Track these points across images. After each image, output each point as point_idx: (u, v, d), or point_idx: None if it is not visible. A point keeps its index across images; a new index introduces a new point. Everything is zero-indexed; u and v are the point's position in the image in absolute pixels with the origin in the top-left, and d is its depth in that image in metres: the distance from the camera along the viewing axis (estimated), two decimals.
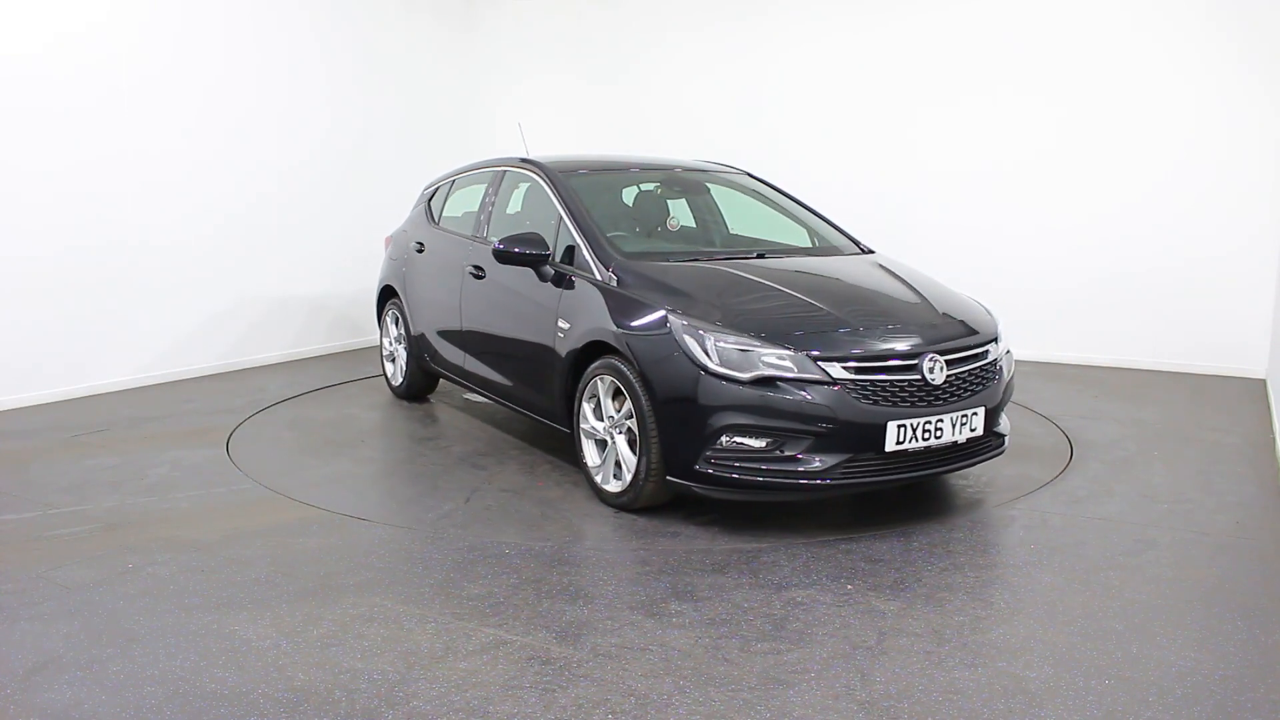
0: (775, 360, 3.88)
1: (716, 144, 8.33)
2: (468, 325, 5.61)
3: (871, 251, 5.22)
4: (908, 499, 4.53)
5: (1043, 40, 7.60)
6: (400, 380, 6.59)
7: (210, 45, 7.20)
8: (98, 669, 2.92)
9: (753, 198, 5.68)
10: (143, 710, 2.69)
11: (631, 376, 4.14)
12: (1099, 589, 3.52)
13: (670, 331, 4.05)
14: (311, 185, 8.11)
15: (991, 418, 4.26)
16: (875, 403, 3.90)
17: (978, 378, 4.21)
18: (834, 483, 3.91)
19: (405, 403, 6.56)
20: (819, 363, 3.88)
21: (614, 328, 4.29)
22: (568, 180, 5.15)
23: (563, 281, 4.71)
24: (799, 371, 3.87)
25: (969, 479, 4.81)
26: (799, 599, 3.43)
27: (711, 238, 5.53)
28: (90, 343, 6.58)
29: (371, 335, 8.61)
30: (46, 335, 6.31)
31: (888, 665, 2.96)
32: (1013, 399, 6.41)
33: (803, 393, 3.85)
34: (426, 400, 6.61)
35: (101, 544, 3.94)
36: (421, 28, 9.22)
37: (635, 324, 4.22)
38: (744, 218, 5.69)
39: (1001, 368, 4.37)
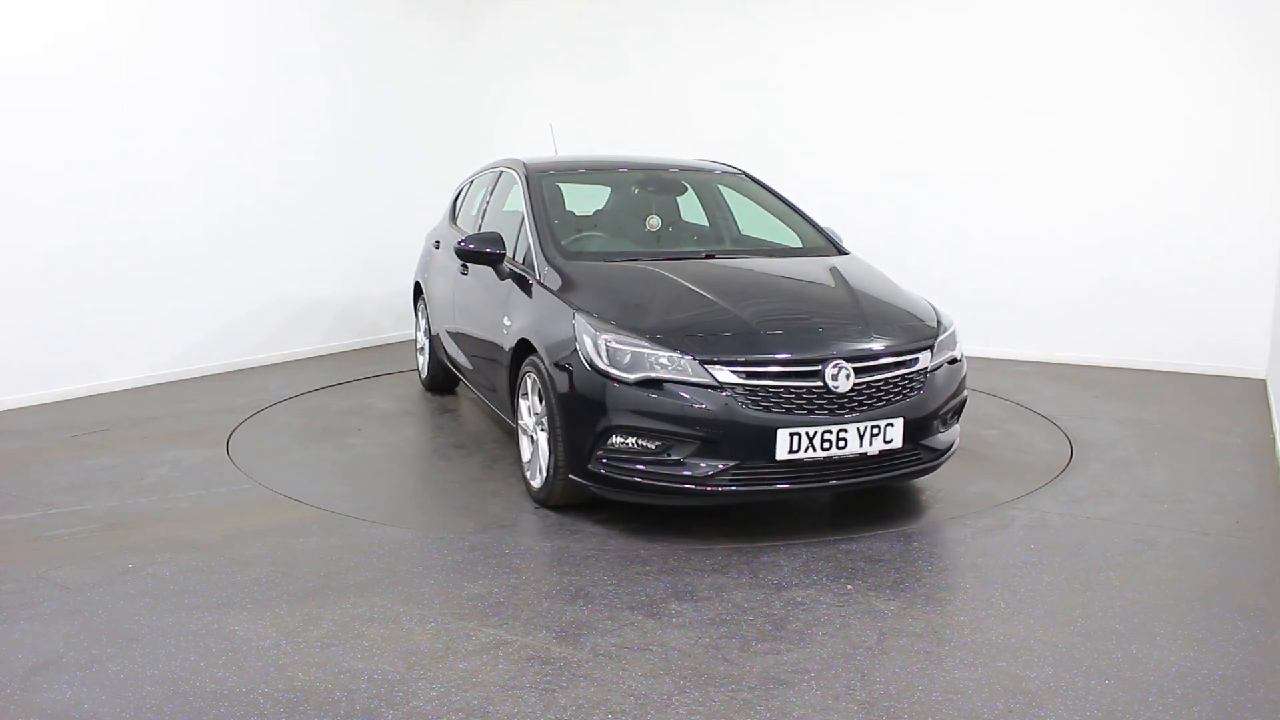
0: (664, 362, 3.86)
1: (717, 144, 8.32)
2: (457, 320, 5.77)
3: (844, 253, 5.13)
4: (907, 500, 4.52)
5: (1043, 42, 7.60)
6: (425, 373, 6.77)
7: (210, 45, 7.20)
8: (98, 669, 2.92)
9: (742, 196, 5.67)
10: (143, 710, 2.69)
11: (544, 374, 4.20)
12: (1099, 589, 3.52)
13: (573, 331, 4.09)
14: (312, 185, 8.11)
15: (917, 429, 4.04)
16: (766, 409, 3.80)
17: (896, 387, 4.01)
18: (722, 489, 3.83)
19: (431, 395, 6.71)
20: (707, 366, 3.82)
21: (535, 326, 4.37)
22: (539, 180, 5.25)
23: (514, 280, 4.80)
24: (686, 374, 3.83)
25: (968, 479, 4.81)
26: (799, 599, 3.43)
27: (685, 237, 5.49)
28: (90, 343, 6.57)
29: (382, 334, 8.87)
30: (47, 335, 6.31)
31: (888, 665, 2.96)
32: (1013, 399, 6.44)
33: (687, 396, 3.80)
34: (453, 392, 6.72)
35: (101, 544, 3.94)
36: (421, 27, 9.22)
37: (549, 322, 4.29)
38: (728, 216, 5.69)
39: (933, 378, 4.13)
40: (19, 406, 6.17)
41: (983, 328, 8.04)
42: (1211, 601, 3.44)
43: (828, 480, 3.93)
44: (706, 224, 5.63)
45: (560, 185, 5.59)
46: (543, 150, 8.42)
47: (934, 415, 4.12)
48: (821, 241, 5.26)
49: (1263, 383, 6.95)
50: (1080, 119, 7.53)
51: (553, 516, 4.27)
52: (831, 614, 3.31)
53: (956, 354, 4.34)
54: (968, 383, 4.51)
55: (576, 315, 4.13)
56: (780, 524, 4.21)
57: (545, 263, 4.63)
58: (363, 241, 8.59)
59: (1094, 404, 6.36)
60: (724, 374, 3.82)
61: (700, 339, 3.94)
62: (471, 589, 3.51)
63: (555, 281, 4.48)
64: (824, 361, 3.88)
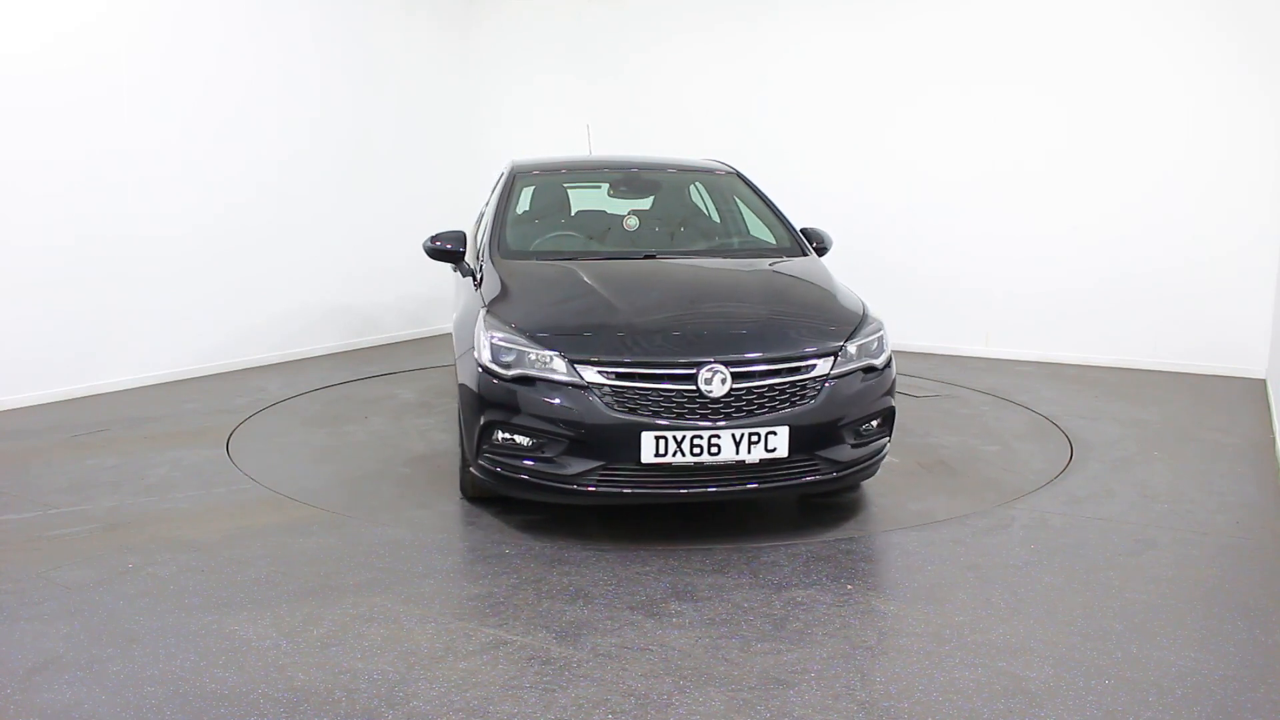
0: (539, 360, 3.89)
1: (716, 144, 8.32)
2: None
3: (806, 255, 5.03)
4: (906, 500, 4.52)
5: (1043, 43, 7.60)
6: None
7: (210, 45, 7.20)
8: (98, 669, 2.92)
9: (728, 196, 5.63)
10: (143, 710, 2.69)
11: (456, 367, 4.34)
12: (1099, 589, 3.52)
13: (474, 327, 4.18)
14: (312, 185, 8.11)
15: (809, 440, 3.85)
16: (632, 410, 3.76)
17: (783, 394, 3.85)
18: (589, 489, 3.82)
19: None
20: (576, 365, 3.82)
21: (460, 320, 4.53)
22: (512, 180, 5.37)
23: (472, 276, 4.91)
24: (556, 373, 3.84)
25: (964, 479, 4.80)
26: (799, 599, 3.43)
27: (651, 237, 5.43)
28: (90, 343, 6.57)
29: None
30: (46, 335, 6.31)
31: (888, 665, 2.96)
32: (1012, 399, 6.44)
33: (555, 395, 3.82)
34: None
35: (101, 544, 3.94)
36: (421, 27, 9.22)
37: (467, 318, 4.40)
38: (709, 216, 5.67)
39: (834, 386, 3.92)
40: (19, 406, 6.16)
41: (983, 328, 8.05)
42: (1211, 601, 3.44)
43: (702, 486, 3.83)
44: (718, 221, 5.62)
45: (564, 185, 5.64)
46: (547, 150, 8.43)
47: (834, 425, 3.93)
48: (789, 243, 5.17)
49: (1263, 383, 6.95)
50: (1081, 120, 7.53)
51: (462, 508, 4.40)
52: (831, 614, 3.31)
53: (877, 363, 4.12)
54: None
55: (481, 312, 4.21)
56: (780, 524, 4.22)
57: (488, 260, 4.76)
58: (364, 241, 8.59)
59: (1094, 404, 6.36)
60: (591, 374, 3.81)
61: (577, 339, 3.95)
62: (471, 589, 3.51)
63: (488, 279, 4.59)
64: (698, 365, 3.79)
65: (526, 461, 3.90)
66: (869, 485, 4.63)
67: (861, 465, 4.09)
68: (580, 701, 2.74)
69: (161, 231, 6.95)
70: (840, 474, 4.01)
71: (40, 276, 6.25)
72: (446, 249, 5.02)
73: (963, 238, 8.03)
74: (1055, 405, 6.29)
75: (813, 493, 4.37)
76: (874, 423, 4.12)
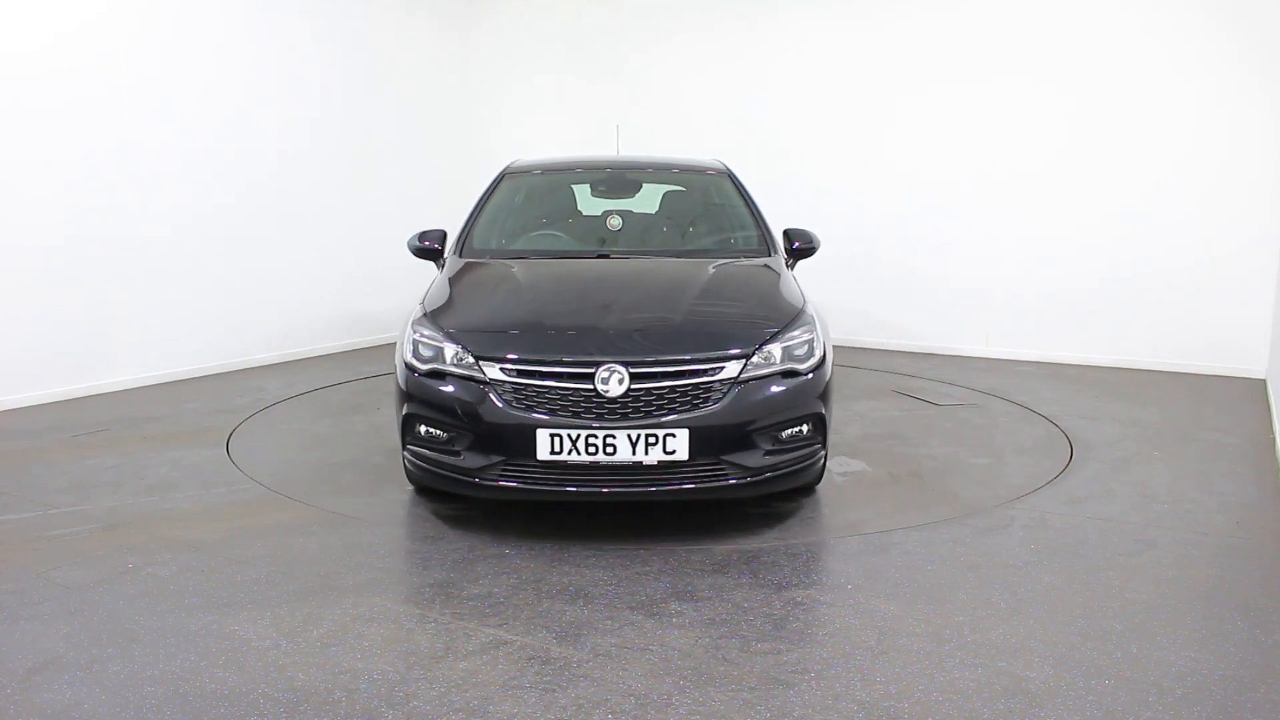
0: (452, 357, 3.97)
1: (715, 144, 8.32)
2: None
3: (772, 255, 4.96)
4: (905, 499, 4.52)
5: (1042, 43, 7.61)
6: None
7: (210, 45, 7.20)
8: (98, 669, 2.92)
9: (715, 196, 5.58)
10: (143, 710, 2.69)
11: None
12: (1099, 589, 3.52)
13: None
14: (312, 185, 8.12)
15: (713, 443, 3.79)
16: (529, 408, 3.81)
17: (685, 395, 3.81)
18: (493, 484, 3.88)
19: None
20: (481, 362, 3.90)
21: (406, 317, 4.60)
22: (500, 179, 5.47)
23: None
24: (461, 369, 3.94)
25: (926, 492, 4.80)
26: (799, 599, 3.43)
27: (623, 236, 5.41)
28: (90, 342, 6.57)
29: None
30: (46, 335, 6.31)
31: (888, 665, 2.96)
32: (1011, 399, 6.44)
33: (459, 390, 3.91)
34: None
35: (101, 544, 3.94)
36: (421, 26, 9.23)
37: (409, 314, 4.50)
38: (690, 215, 5.66)
39: (742, 390, 3.86)
40: (19, 406, 6.16)
41: (983, 328, 8.05)
42: (1211, 601, 3.44)
43: (599, 486, 3.82)
44: (697, 220, 5.60)
45: (550, 185, 5.70)
46: (547, 150, 8.43)
47: (742, 429, 3.85)
48: (758, 243, 5.10)
49: (1263, 383, 6.95)
50: (1081, 119, 7.54)
51: (414, 502, 4.47)
52: (831, 614, 3.31)
53: (801, 368, 4.02)
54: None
55: (417, 308, 4.36)
56: (780, 524, 4.21)
57: (450, 258, 4.95)
58: (363, 241, 8.59)
59: (1094, 404, 6.36)
60: (494, 371, 3.88)
61: (485, 335, 4.03)
62: (471, 589, 3.51)
63: (440, 277, 4.72)
64: (596, 364, 3.80)
65: (438, 454, 3.99)
66: (802, 493, 4.51)
67: (778, 472, 3.97)
68: (580, 701, 2.74)
69: (161, 231, 6.95)
70: (751, 480, 3.91)
71: (40, 276, 6.25)
72: (434, 249, 5.10)
73: (963, 238, 8.03)
74: (1055, 405, 6.29)
75: (724, 498, 4.21)
76: (803, 428, 4.01)
